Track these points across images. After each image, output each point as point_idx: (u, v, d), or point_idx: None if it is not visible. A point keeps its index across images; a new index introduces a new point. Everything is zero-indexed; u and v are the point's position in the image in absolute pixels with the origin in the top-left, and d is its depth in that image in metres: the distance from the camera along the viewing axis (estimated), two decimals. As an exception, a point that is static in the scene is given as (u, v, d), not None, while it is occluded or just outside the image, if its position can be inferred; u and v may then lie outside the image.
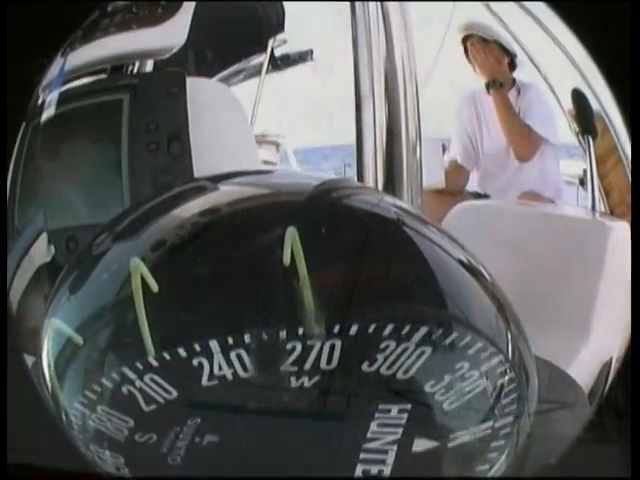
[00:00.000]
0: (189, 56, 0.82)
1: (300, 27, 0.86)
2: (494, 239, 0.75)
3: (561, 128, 0.86)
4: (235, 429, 0.53)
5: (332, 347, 0.51)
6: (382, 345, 0.51)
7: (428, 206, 0.79)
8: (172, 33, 0.81)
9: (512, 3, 0.85)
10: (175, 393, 0.52)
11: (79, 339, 0.54)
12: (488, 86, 0.86)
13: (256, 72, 0.87)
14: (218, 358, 0.51)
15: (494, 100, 0.86)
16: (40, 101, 0.81)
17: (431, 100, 0.81)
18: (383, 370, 0.51)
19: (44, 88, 0.81)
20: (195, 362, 0.51)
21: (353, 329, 0.51)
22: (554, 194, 0.86)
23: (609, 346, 0.78)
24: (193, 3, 0.81)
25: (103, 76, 0.82)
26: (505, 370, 0.55)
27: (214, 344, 0.51)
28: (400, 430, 0.53)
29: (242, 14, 0.87)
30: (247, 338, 0.51)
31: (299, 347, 0.51)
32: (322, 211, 0.56)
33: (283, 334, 0.51)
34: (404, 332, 0.51)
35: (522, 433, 0.57)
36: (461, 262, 0.56)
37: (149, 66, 0.82)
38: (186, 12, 0.81)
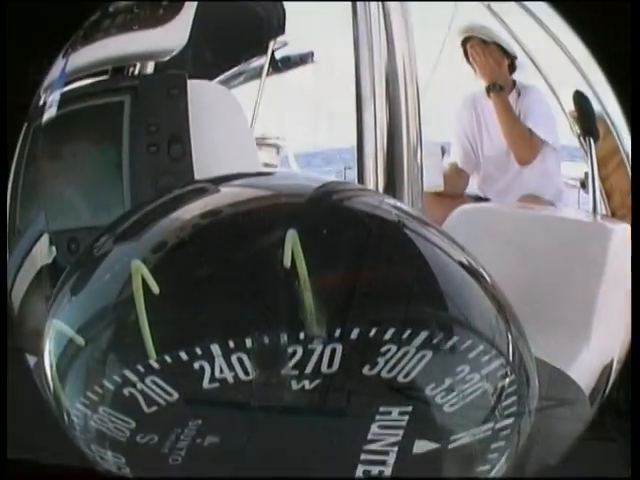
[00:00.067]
0: (190, 58, 0.82)
1: (301, 29, 0.86)
2: (495, 241, 0.75)
3: (562, 130, 0.86)
4: (236, 430, 0.53)
5: (333, 351, 0.51)
6: (383, 349, 0.51)
7: (428, 209, 0.79)
8: (173, 35, 0.81)
9: (513, 3, 0.85)
10: (176, 395, 0.52)
11: (80, 340, 0.55)
12: (488, 89, 0.86)
13: (257, 74, 0.87)
14: (219, 361, 0.51)
15: (494, 104, 0.85)
16: (42, 102, 0.81)
17: (432, 102, 0.81)
18: (384, 374, 0.51)
19: (45, 89, 0.82)
20: (196, 365, 0.51)
21: (354, 333, 0.51)
22: (554, 197, 0.86)
23: (610, 348, 0.78)
24: (194, 5, 0.81)
25: (104, 77, 0.82)
26: (506, 372, 0.55)
27: (215, 348, 0.51)
28: (401, 432, 0.53)
29: (243, 16, 0.87)
30: (248, 342, 0.51)
31: (300, 351, 0.51)
32: (323, 213, 0.56)
33: (284, 338, 0.51)
34: (405, 336, 0.51)
35: (522, 434, 0.57)
36: (462, 264, 0.56)
37: (150, 68, 0.82)
38: (187, 14, 0.81)
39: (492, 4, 0.84)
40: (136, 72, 0.82)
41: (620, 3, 0.81)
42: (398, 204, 0.62)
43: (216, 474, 0.54)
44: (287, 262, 0.51)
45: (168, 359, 0.51)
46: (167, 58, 0.81)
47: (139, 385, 0.52)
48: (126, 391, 0.53)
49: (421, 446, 0.53)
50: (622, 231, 0.80)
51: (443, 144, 0.87)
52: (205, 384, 0.51)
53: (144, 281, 0.52)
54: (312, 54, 0.86)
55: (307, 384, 0.51)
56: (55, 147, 0.79)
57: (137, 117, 0.77)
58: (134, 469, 0.55)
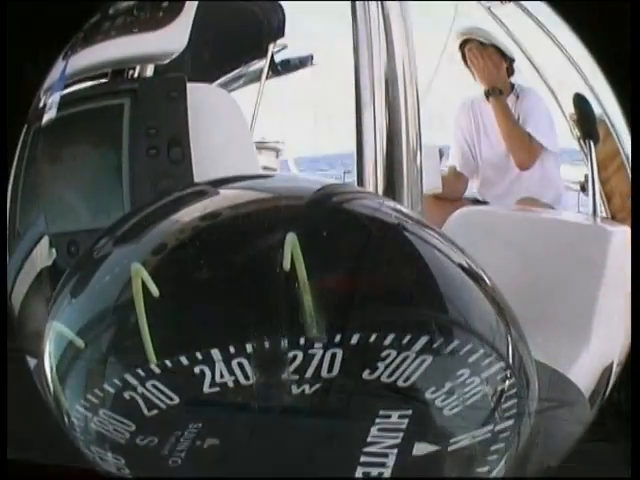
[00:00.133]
0: (189, 61, 0.82)
1: (300, 31, 0.86)
2: (495, 244, 0.75)
3: (562, 133, 0.86)
4: (236, 434, 0.53)
5: (333, 356, 0.51)
6: (383, 354, 0.51)
7: (428, 212, 0.78)
8: (173, 38, 0.81)
9: (512, 4, 0.85)
10: (177, 399, 0.52)
11: (80, 342, 0.54)
12: (487, 94, 0.85)
13: (256, 77, 0.87)
14: (220, 366, 0.51)
15: (493, 108, 0.85)
16: (42, 104, 0.81)
17: (431, 106, 0.81)
18: (384, 378, 0.51)
19: (45, 91, 0.81)
20: (197, 370, 0.51)
21: (354, 338, 0.51)
22: (554, 200, 0.86)
23: (610, 350, 0.78)
24: (194, 7, 0.81)
25: (104, 80, 0.82)
26: (506, 375, 0.55)
27: (215, 353, 0.51)
28: (400, 435, 0.53)
29: (243, 19, 0.87)
30: (249, 347, 0.51)
31: (300, 356, 0.51)
32: (322, 216, 0.56)
33: (284, 343, 0.51)
34: (405, 341, 0.51)
35: (522, 436, 0.57)
36: (462, 267, 0.56)
37: (150, 70, 0.82)
38: (187, 16, 0.81)
39: (492, 6, 0.84)
40: (136, 75, 0.82)
41: (620, 3, 0.80)
42: (398, 207, 0.62)
43: (216, 475, 0.54)
44: (287, 265, 0.51)
45: (168, 363, 0.51)
46: (167, 61, 0.81)
47: (140, 389, 0.52)
48: (127, 395, 0.53)
49: (421, 448, 0.53)
50: (622, 234, 0.80)
51: (441, 147, 0.87)
52: (205, 388, 0.51)
53: (144, 284, 0.52)
54: (311, 57, 0.86)
55: (307, 388, 0.51)
56: (55, 150, 0.79)
57: (137, 120, 0.77)
58: (134, 470, 0.55)
